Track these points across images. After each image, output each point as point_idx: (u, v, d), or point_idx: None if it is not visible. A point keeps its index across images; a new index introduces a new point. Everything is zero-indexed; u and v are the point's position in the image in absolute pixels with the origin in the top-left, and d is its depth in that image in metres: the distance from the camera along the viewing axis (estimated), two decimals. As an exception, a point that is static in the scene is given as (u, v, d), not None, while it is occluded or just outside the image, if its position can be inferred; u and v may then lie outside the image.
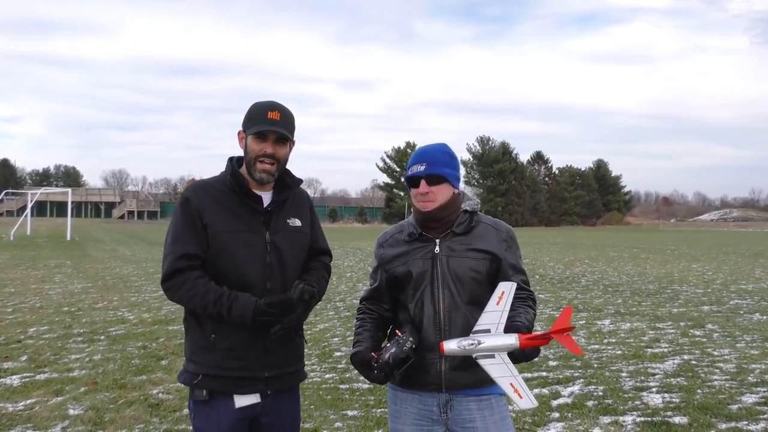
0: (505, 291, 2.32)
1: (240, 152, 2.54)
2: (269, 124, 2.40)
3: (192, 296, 2.35)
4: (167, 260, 2.39)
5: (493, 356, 2.22)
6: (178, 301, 2.43)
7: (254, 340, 2.41)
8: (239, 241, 2.41)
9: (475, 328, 2.29)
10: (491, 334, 2.25)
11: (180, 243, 2.38)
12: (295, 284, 2.42)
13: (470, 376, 2.28)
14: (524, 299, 2.47)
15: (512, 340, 2.22)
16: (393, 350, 2.29)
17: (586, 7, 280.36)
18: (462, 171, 2.63)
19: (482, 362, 2.22)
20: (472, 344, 2.22)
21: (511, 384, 2.18)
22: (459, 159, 2.60)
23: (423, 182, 2.43)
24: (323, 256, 2.70)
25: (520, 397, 2.16)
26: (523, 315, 2.37)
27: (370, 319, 2.57)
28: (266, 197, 2.50)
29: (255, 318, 2.33)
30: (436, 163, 2.45)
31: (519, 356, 2.25)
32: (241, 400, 2.41)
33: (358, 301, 2.70)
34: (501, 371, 2.20)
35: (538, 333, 2.27)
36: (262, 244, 2.44)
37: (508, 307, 2.30)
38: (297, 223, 2.56)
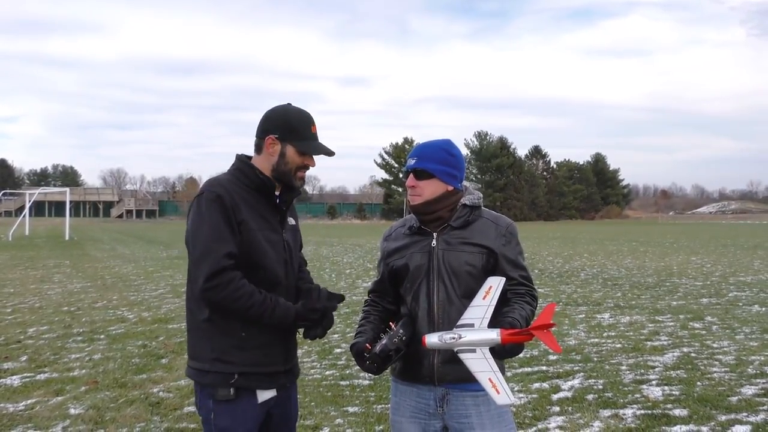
0: (493, 286, 2.33)
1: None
2: (316, 141, 2.51)
3: (239, 297, 2.32)
4: (210, 259, 2.31)
5: (474, 351, 2.22)
6: (220, 301, 2.35)
7: (279, 337, 2.47)
8: (267, 239, 2.45)
9: (459, 322, 2.30)
10: (474, 328, 2.26)
11: (222, 241, 2.33)
12: (315, 288, 2.53)
13: (463, 369, 2.28)
14: (522, 295, 2.46)
15: (493, 335, 2.22)
16: (384, 342, 2.34)
17: (581, 1, 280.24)
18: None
19: (462, 356, 2.23)
20: (453, 338, 2.23)
21: (489, 379, 2.18)
22: (462, 157, 2.59)
23: (411, 176, 2.49)
24: (300, 252, 2.81)
25: (498, 393, 2.16)
26: (518, 311, 2.36)
27: (374, 312, 2.61)
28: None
29: (295, 322, 2.42)
30: (427, 158, 2.47)
31: (501, 352, 2.26)
32: (263, 395, 2.47)
33: (365, 294, 2.74)
34: (480, 366, 2.21)
35: (520, 329, 2.27)
36: (281, 242, 2.51)
37: (494, 302, 2.31)
38: (293, 221, 2.64)
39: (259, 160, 2.50)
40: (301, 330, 2.51)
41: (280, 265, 2.48)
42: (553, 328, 2.27)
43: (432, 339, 2.26)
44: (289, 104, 2.54)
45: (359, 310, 2.76)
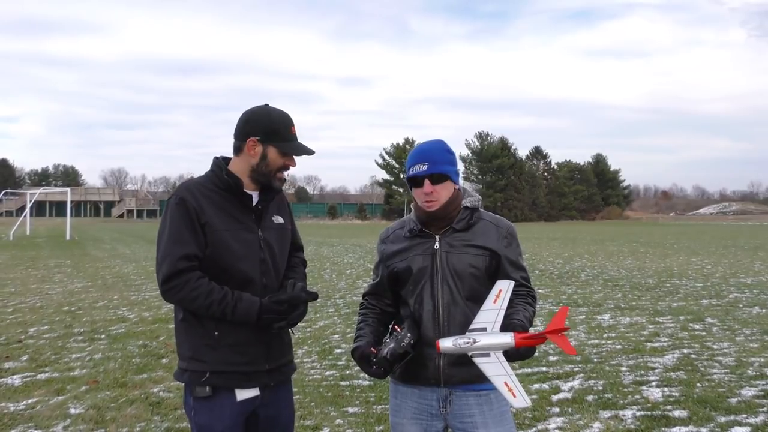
0: (503, 289, 2.34)
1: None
2: (297, 141, 2.52)
3: (195, 297, 2.37)
4: (167, 261, 2.39)
5: (488, 355, 2.23)
6: (178, 302, 2.45)
7: (257, 336, 2.46)
8: (237, 238, 2.45)
9: (471, 327, 2.31)
10: (487, 332, 2.27)
11: (180, 244, 2.39)
12: (290, 282, 2.50)
13: (468, 371, 2.29)
14: (524, 296, 2.48)
15: (508, 339, 2.23)
16: (391, 346, 2.32)
17: (580, 2, 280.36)
18: (461, 167, 2.67)
19: (477, 360, 2.24)
20: (467, 343, 2.23)
21: (505, 383, 2.19)
22: (457, 154, 2.61)
23: (427, 182, 2.44)
24: (300, 252, 2.79)
25: (514, 396, 2.18)
26: (522, 313, 2.38)
27: (372, 314, 2.60)
28: (254, 196, 2.55)
29: (260, 317, 2.39)
30: (438, 161, 2.46)
31: (514, 355, 2.28)
32: (243, 394, 2.46)
33: (361, 297, 2.73)
34: (496, 370, 2.22)
35: (534, 333, 2.29)
36: (256, 241, 2.50)
37: (505, 306, 2.32)
38: (280, 220, 2.63)
39: (238, 162, 2.52)
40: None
41: (253, 265, 2.47)
42: (566, 332, 2.29)
43: (446, 343, 2.26)
44: (267, 105, 2.54)
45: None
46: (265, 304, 2.40)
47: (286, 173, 2.55)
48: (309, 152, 2.55)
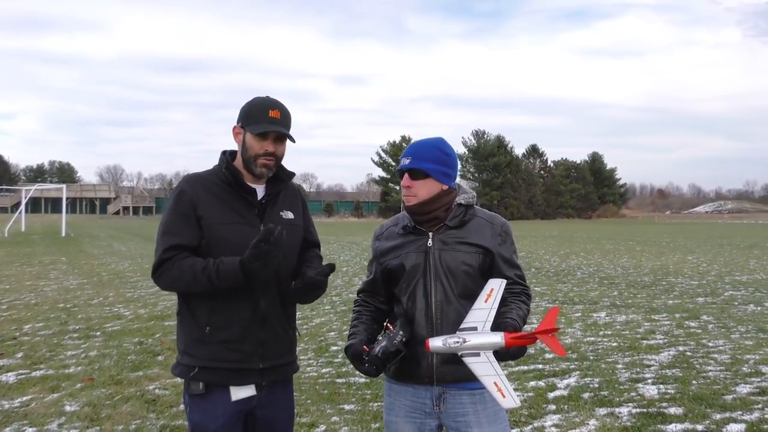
0: (494, 288, 2.32)
1: (233, 146, 2.55)
2: (272, 124, 2.43)
3: (180, 274, 2.36)
4: (157, 253, 2.42)
5: (478, 354, 2.23)
6: (169, 287, 2.45)
7: (251, 333, 2.43)
8: (235, 232, 2.43)
9: (462, 326, 2.30)
10: (477, 332, 2.25)
11: (170, 235, 2.41)
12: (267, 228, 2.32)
13: (461, 369, 2.27)
14: (518, 294, 2.46)
15: (498, 339, 2.22)
16: (383, 344, 2.32)
17: (575, 2, 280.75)
18: (458, 166, 2.57)
19: (467, 360, 2.23)
20: (457, 342, 2.23)
21: (494, 383, 2.18)
22: (455, 155, 2.57)
23: (406, 176, 2.46)
24: (316, 249, 2.73)
25: (503, 397, 2.17)
26: (515, 311, 2.37)
27: (366, 312, 2.58)
28: (260, 190, 2.51)
29: (244, 266, 2.29)
30: (421, 157, 2.44)
31: (504, 355, 2.27)
32: (238, 393, 2.43)
33: (356, 294, 2.71)
34: (485, 370, 2.21)
35: (524, 333, 2.28)
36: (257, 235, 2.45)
37: (496, 305, 2.30)
38: (290, 215, 2.58)
39: (238, 154, 2.52)
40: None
41: None
42: (557, 332, 2.28)
43: (436, 343, 2.25)
44: (267, 97, 2.52)
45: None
46: (245, 255, 2.29)
47: (270, 161, 2.44)
48: (282, 132, 2.43)
